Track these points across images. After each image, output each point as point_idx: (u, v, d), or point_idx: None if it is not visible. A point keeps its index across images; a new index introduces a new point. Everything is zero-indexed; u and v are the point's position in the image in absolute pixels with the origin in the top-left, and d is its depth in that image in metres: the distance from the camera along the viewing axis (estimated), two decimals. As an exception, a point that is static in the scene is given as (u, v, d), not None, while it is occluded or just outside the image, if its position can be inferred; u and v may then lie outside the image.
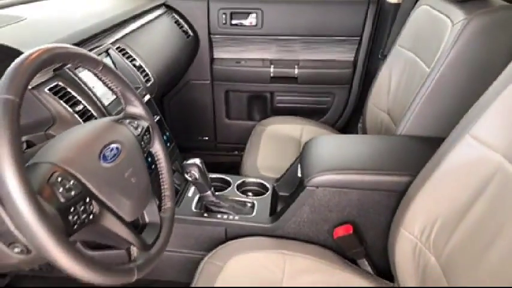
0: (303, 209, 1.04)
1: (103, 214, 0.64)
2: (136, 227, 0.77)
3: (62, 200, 0.58)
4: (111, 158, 0.68)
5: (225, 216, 1.10)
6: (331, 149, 1.11)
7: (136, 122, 0.79)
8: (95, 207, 0.62)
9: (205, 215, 1.11)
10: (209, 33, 1.80)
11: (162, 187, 0.84)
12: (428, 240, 0.87)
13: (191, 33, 1.77)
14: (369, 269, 1.04)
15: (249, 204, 1.16)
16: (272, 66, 1.81)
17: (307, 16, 1.72)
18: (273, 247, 1.03)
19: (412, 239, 0.91)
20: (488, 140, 0.77)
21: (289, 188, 1.19)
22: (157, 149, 0.84)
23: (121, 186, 0.67)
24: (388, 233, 0.98)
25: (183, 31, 1.73)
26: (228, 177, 1.25)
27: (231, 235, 1.10)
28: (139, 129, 0.79)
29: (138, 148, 0.76)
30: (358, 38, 1.74)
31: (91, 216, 0.61)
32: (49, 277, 1.22)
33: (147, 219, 0.77)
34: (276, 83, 1.84)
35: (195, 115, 1.99)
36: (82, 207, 0.60)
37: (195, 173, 1.06)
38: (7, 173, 0.49)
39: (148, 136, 0.82)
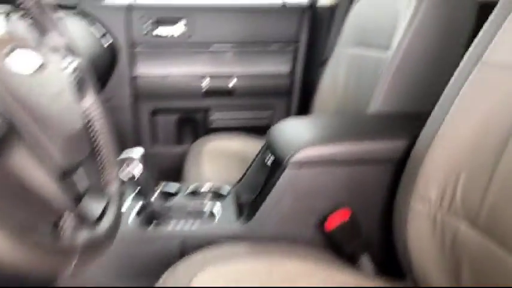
0: (284, 199, 0.81)
1: None
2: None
3: None
4: None
5: (180, 226, 0.82)
6: (307, 127, 0.91)
7: None
8: None
9: (151, 227, 0.81)
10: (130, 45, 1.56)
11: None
12: (453, 203, 0.69)
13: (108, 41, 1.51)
14: (371, 266, 0.83)
15: (207, 211, 0.89)
16: (205, 79, 1.61)
17: (238, 24, 1.60)
18: (251, 253, 0.76)
19: (427, 211, 0.73)
20: (506, 59, 0.66)
21: (253, 191, 0.95)
22: None
23: None
24: (389, 216, 0.79)
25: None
26: (174, 186, 0.98)
27: (189, 249, 0.80)
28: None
29: None
30: (294, 47, 1.65)
31: None
32: None
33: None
34: (210, 97, 1.63)
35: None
36: None
37: (134, 168, 0.78)
38: None
39: None
